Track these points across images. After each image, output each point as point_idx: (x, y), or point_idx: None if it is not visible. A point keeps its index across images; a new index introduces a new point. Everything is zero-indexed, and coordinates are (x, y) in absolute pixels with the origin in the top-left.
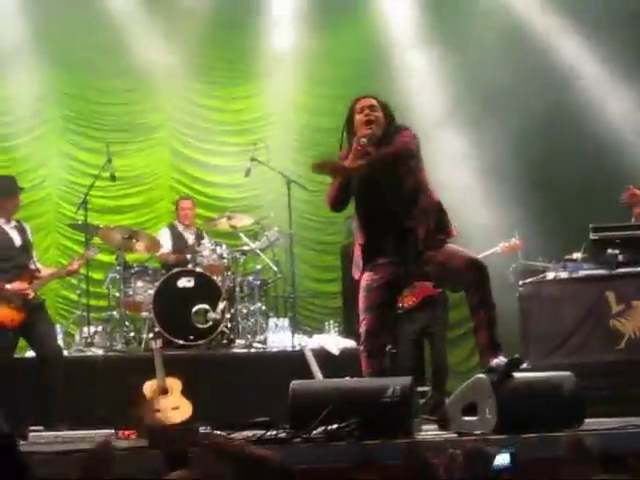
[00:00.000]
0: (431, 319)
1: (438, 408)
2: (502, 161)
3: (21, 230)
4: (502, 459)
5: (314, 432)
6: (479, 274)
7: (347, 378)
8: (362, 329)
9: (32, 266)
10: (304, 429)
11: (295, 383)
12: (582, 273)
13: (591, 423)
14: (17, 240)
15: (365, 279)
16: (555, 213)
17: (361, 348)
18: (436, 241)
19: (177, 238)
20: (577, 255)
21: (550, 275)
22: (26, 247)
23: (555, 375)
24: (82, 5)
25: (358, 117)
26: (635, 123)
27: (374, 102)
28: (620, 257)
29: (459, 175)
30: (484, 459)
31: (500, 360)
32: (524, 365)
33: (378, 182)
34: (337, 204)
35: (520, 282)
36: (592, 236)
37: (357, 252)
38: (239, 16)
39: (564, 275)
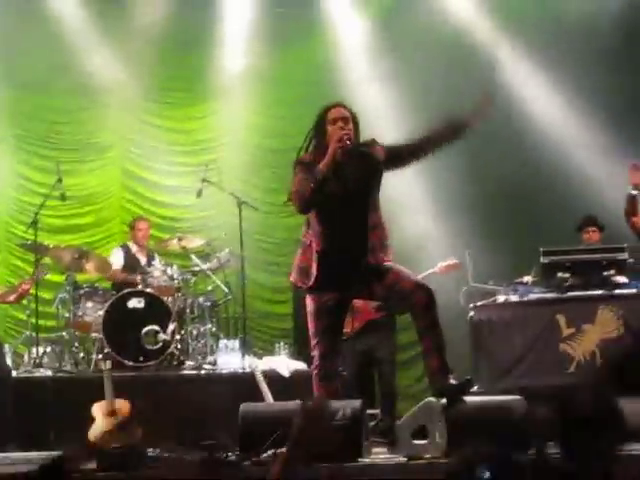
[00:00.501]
0: (376, 343)
1: (388, 432)
2: (450, 185)
3: None
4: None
5: (263, 455)
6: (426, 298)
7: (297, 401)
8: (315, 353)
9: None
10: (254, 452)
11: (245, 405)
12: (532, 297)
13: None
14: None
15: (313, 303)
16: (505, 236)
17: (314, 372)
18: (378, 259)
19: (130, 259)
20: (527, 278)
21: (501, 298)
22: None
23: (506, 399)
24: (34, 23)
25: (332, 128)
26: (584, 143)
27: (346, 113)
28: (570, 281)
29: (408, 199)
30: None
31: (450, 383)
32: (474, 388)
33: (353, 192)
34: (308, 205)
35: (470, 305)
36: (542, 260)
37: (305, 257)
38: (193, 37)
39: (514, 298)
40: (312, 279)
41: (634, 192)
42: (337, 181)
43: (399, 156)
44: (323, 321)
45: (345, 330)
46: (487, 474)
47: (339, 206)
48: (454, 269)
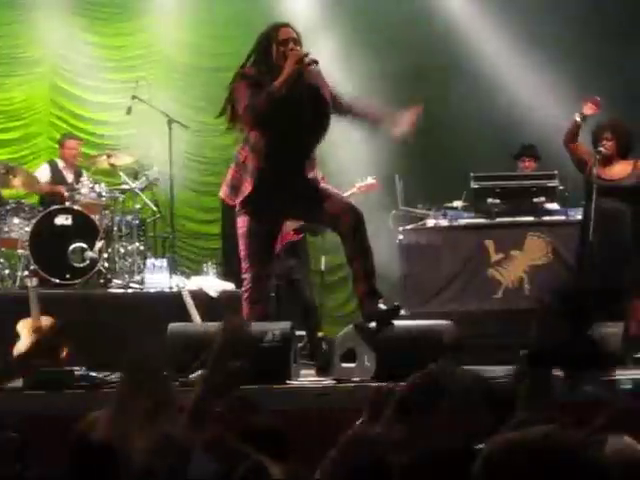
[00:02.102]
0: (295, 265)
1: (315, 351)
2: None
3: None
4: None
5: (191, 376)
6: (354, 221)
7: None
8: (246, 275)
9: None
10: (181, 372)
11: (173, 325)
12: (462, 222)
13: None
14: None
15: (245, 224)
16: (436, 160)
17: (245, 295)
18: (313, 181)
19: (57, 175)
20: (457, 203)
21: (430, 223)
22: None
23: (435, 323)
24: None
25: (282, 49)
26: (521, 74)
27: (295, 34)
28: (500, 207)
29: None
30: None
31: (379, 307)
32: (402, 312)
33: (304, 116)
34: (262, 119)
35: (400, 229)
36: (473, 185)
37: (238, 174)
38: None
39: (444, 223)
40: (242, 197)
41: (579, 119)
42: (289, 102)
43: (337, 107)
44: (255, 243)
45: None
46: None
47: (287, 127)
48: (372, 189)
